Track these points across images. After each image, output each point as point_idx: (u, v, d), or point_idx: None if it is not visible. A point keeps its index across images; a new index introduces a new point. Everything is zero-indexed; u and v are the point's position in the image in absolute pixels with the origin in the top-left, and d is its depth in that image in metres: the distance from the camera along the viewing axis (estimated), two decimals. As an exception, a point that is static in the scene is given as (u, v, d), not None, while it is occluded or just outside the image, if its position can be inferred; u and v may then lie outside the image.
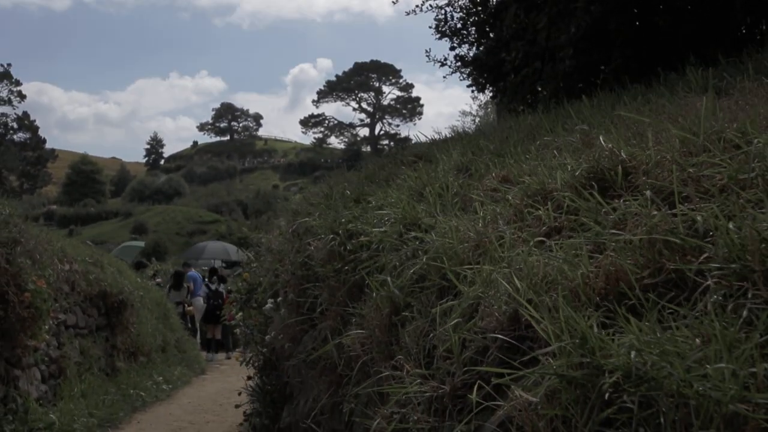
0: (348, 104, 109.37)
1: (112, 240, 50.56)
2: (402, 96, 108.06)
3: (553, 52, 7.58)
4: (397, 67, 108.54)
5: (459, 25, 10.48)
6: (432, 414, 1.87)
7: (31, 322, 8.00)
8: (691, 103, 3.12)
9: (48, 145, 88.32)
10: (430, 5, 10.53)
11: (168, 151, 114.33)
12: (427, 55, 10.66)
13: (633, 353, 1.38)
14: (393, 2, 11.64)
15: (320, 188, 4.92)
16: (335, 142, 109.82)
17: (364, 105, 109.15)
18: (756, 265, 1.49)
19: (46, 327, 8.47)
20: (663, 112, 3.04)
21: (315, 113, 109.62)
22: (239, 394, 6.92)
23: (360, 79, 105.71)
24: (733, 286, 1.51)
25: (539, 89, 8.24)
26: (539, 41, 7.61)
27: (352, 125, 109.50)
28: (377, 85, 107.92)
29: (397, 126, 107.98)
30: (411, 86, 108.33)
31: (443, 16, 10.54)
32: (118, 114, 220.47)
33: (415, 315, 2.26)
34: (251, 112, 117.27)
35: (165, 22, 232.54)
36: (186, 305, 17.55)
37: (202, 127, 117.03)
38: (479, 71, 9.78)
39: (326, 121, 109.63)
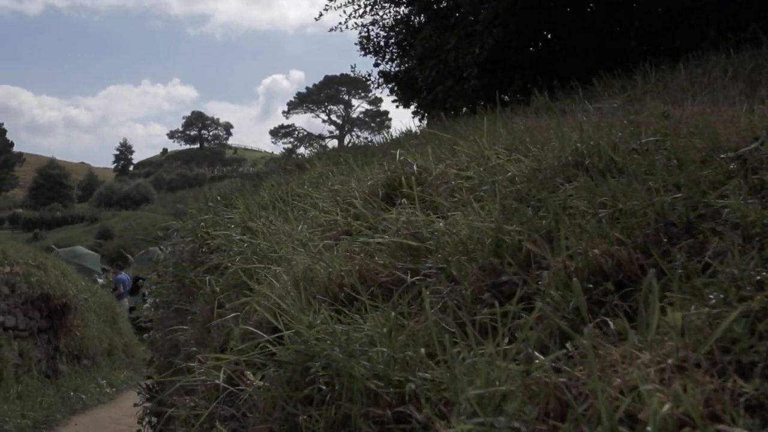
0: (318, 116, 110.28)
1: (77, 244, 49.93)
2: (371, 109, 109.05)
3: (462, 71, 7.86)
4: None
5: (382, 43, 10.83)
6: (209, 400, 2.05)
7: (-38, 324, 8.01)
8: (530, 122, 3.37)
9: (16, 149, 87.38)
10: (355, 23, 10.88)
11: (138, 157, 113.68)
12: (352, 71, 11.02)
13: (329, 341, 1.58)
14: (315, 19, 12.10)
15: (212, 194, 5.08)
16: (305, 152, 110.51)
17: (333, 117, 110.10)
18: (453, 263, 1.71)
19: (-20, 328, 8.46)
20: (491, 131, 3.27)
21: (285, 124, 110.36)
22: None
23: (330, 91, 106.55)
24: (441, 283, 1.73)
25: (447, 107, 8.54)
26: (449, 61, 7.88)
27: (321, 137, 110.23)
28: (347, 98, 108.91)
29: (366, 138, 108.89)
30: (380, 100, 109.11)
31: (366, 34, 10.89)
32: (88, 119, 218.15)
33: (227, 311, 2.45)
34: (223, 121, 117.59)
35: (138, 30, 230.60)
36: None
37: (172, 135, 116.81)
38: (400, 87, 10.10)
39: (296, 132, 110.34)
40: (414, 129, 6.33)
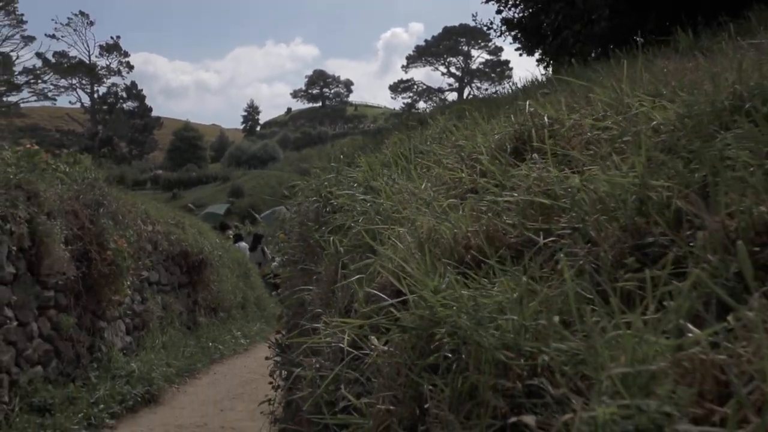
0: (437, 69, 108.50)
1: (212, 202, 52.84)
2: (491, 60, 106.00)
3: (591, 14, 7.35)
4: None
5: None
6: (334, 362, 2.04)
7: (113, 279, 8.66)
8: (673, 64, 3.06)
9: (153, 113, 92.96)
10: None
11: (263, 117, 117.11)
12: (473, 19, 10.57)
13: (455, 307, 1.49)
14: None
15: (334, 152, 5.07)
16: (424, 106, 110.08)
17: (452, 69, 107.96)
18: (591, 223, 1.55)
19: (128, 283, 9.08)
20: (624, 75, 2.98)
21: (404, 78, 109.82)
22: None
23: (449, 43, 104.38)
24: (577, 245, 1.58)
25: (575, 52, 8.05)
26: (578, 3, 7.39)
27: (440, 90, 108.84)
28: (466, 49, 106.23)
29: (486, 90, 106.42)
30: (500, 49, 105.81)
31: None
32: (217, 82, 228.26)
33: (351, 272, 2.41)
34: (342, 78, 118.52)
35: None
36: (261, 266, 18.47)
37: (295, 94, 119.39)
38: (524, 34, 9.63)
39: (415, 86, 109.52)
40: (539, 77, 6.03)
